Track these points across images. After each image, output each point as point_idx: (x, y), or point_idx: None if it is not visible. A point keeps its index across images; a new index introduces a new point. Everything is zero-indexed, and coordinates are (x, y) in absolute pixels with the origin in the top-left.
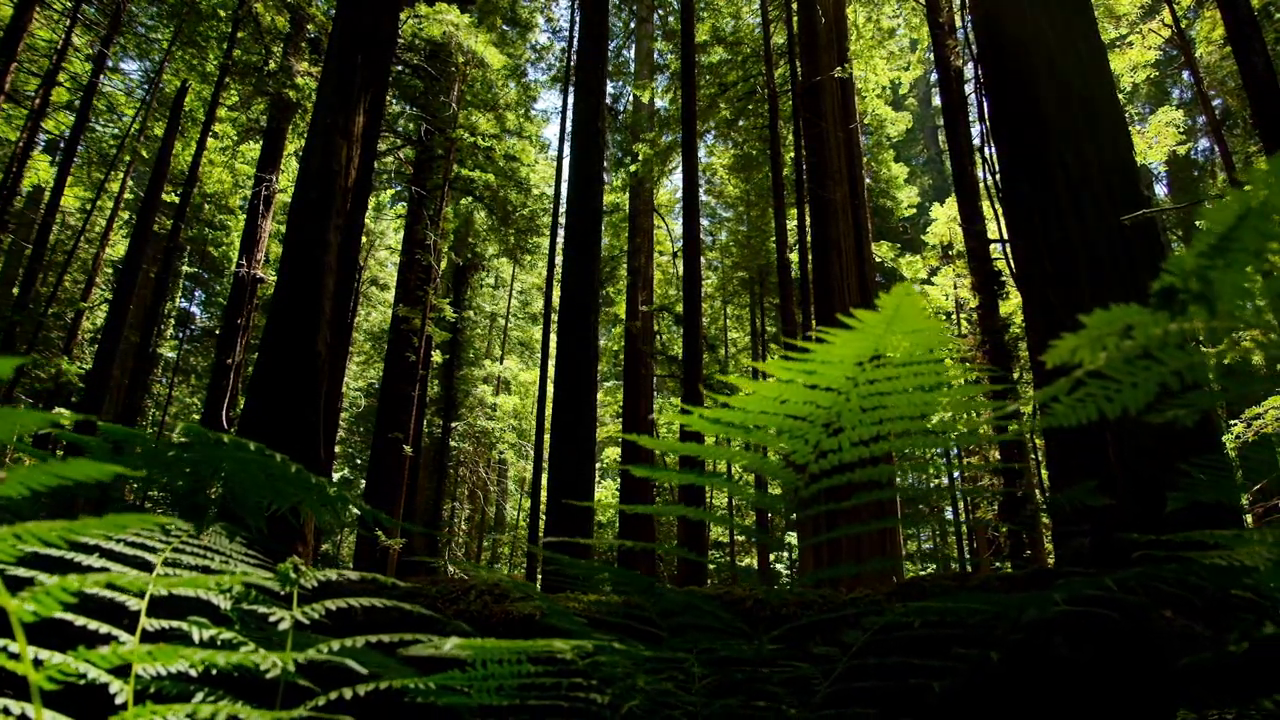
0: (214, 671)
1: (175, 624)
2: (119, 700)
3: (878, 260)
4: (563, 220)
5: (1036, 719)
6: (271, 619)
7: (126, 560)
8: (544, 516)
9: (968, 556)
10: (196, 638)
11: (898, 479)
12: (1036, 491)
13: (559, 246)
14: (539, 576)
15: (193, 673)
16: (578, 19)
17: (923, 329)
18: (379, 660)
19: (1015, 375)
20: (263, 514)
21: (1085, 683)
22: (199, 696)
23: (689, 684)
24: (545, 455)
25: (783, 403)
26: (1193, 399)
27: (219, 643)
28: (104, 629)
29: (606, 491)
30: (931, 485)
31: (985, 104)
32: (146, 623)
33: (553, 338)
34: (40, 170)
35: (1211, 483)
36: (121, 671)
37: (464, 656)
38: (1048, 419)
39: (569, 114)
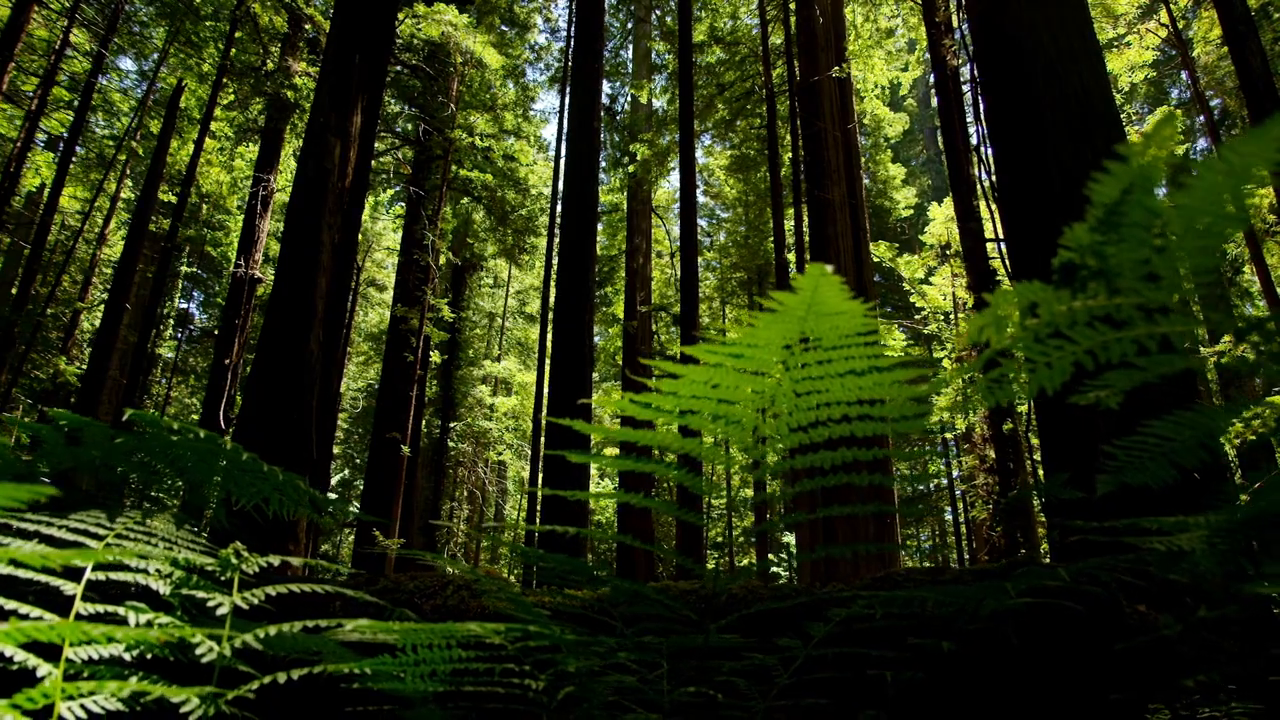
0: (149, 656)
1: (111, 609)
2: (48, 684)
3: (876, 260)
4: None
5: (992, 706)
6: (210, 604)
7: (66, 545)
8: (540, 515)
9: (966, 556)
10: (133, 621)
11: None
12: (1034, 491)
13: (556, 247)
14: (535, 573)
15: (127, 656)
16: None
17: (844, 311)
18: (328, 646)
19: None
20: (225, 505)
21: (1037, 670)
22: (134, 680)
23: (644, 674)
24: (543, 455)
25: (714, 387)
26: (1113, 379)
27: (155, 627)
28: (34, 612)
29: (605, 490)
30: (903, 475)
31: (982, 104)
32: (81, 606)
33: (550, 338)
34: (42, 168)
35: (1137, 464)
36: (54, 656)
37: (390, 640)
38: (974, 400)
39: (566, 113)
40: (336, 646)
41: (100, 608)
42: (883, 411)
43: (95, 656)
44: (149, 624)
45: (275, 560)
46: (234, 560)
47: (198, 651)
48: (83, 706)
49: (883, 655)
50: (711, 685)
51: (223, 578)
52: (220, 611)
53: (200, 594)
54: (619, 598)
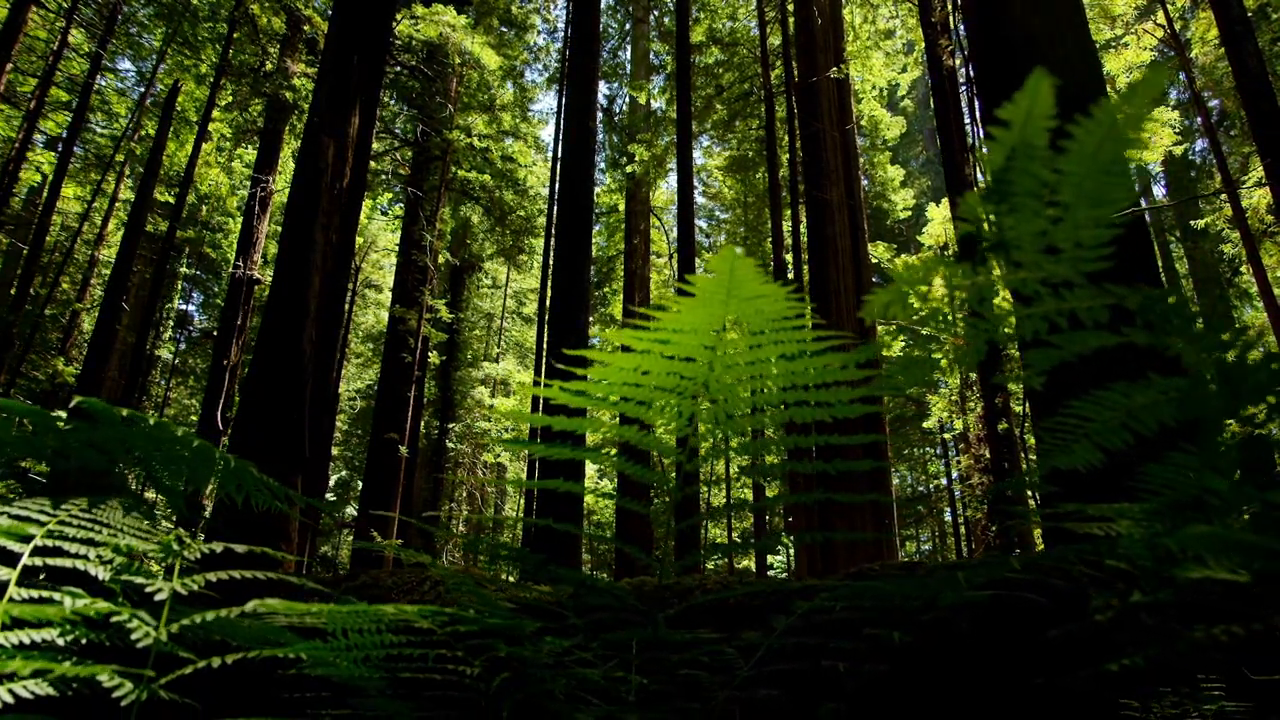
0: (84, 641)
1: (48, 594)
2: None
3: (874, 261)
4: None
5: (949, 697)
6: (148, 589)
7: (3, 533)
8: (535, 515)
9: (965, 555)
10: (68, 606)
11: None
12: (1015, 486)
13: (554, 247)
14: (521, 572)
15: (60, 642)
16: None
17: (765, 294)
18: (283, 636)
19: (1007, 370)
20: (182, 496)
21: (989, 660)
22: (66, 664)
23: (599, 665)
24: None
25: (644, 374)
26: (1032, 358)
27: (93, 613)
28: None
29: (604, 488)
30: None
31: (978, 104)
32: (15, 591)
33: (546, 339)
34: (43, 165)
35: (1062, 448)
36: None
37: (318, 624)
38: (890, 382)
39: (563, 113)
40: (288, 635)
41: (37, 593)
42: (820, 397)
43: (28, 641)
44: (85, 610)
45: (218, 548)
46: (175, 547)
47: (133, 636)
48: (10, 691)
49: (839, 647)
50: (672, 678)
51: (164, 564)
52: (159, 598)
53: (139, 580)
54: (576, 589)
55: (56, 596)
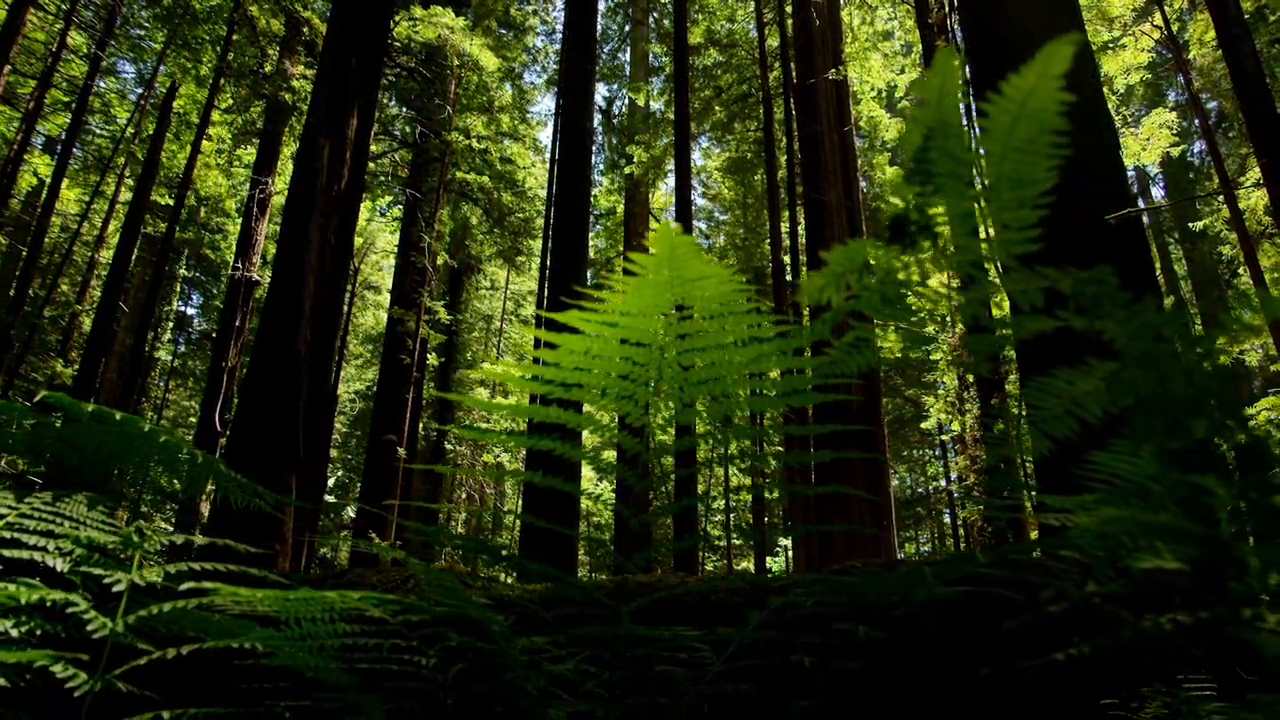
0: (39, 632)
1: (3, 585)
2: None
3: None
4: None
5: (923, 693)
6: (106, 581)
7: None
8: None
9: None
10: (24, 599)
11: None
12: (1026, 491)
13: (552, 250)
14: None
15: (15, 634)
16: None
17: (709, 275)
18: (238, 624)
19: (1003, 369)
20: (164, 492)
21: (961, 654)
22: (19, 652)
23: (570, 659)
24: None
25: (595, 358)
26: (975, 344)
27: (48, 604)
28: None
29: (603, 492)
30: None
31: (974, 103)
32: None
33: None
34: (40, 168)
35: (1002, 440)
36: None
37: (270, 612)
38: (831, 367)
39: (562, 115)
40: (253, 626)
41: None
42: (782, 386)
43: None
44: (40, 601)
45: (179, 539)
46: (135, 539)
47: (89, 628)
48: None
49: (808, 642)
50: (644, 673)
51: (123, 556)
52: (117, 589)
53: (98, 571)
54: (551, 585)
55: (11, 588)
